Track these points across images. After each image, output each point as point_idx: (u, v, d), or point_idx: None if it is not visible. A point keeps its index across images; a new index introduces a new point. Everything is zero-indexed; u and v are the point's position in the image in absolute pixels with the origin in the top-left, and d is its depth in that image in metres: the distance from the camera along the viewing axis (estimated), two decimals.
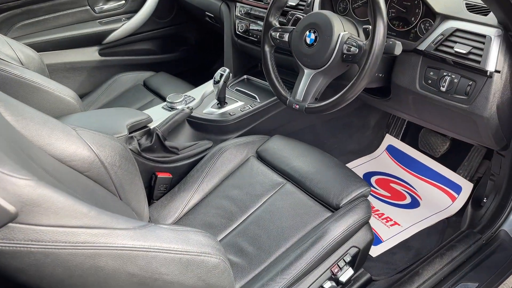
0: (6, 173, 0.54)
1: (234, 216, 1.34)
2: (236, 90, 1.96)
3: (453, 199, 1.92)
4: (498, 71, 1.22)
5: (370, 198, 1.72)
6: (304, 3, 1.68)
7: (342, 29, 1.31)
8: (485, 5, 1.29)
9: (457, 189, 1.94)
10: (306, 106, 1.36)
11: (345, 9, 1.62)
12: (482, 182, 1.85)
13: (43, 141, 0.89)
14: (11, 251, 0.55)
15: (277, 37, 1.46)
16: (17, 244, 0.55)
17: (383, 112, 2.22)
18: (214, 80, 1.66)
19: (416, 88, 1.41)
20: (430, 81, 1.37)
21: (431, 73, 1.37)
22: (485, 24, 1.25)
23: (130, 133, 1.39)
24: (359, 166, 2.19)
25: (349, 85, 1.26)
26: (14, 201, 0.53)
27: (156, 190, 1.49)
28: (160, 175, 1.49)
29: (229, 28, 2.08)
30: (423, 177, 2.06)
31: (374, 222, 1.84)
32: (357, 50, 1.25)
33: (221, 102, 1.76)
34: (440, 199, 1.94)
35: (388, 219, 1.87)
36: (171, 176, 1.52)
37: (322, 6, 1.63)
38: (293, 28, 1.43)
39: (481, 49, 1.23)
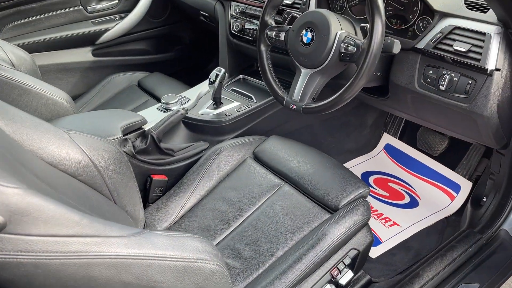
0: None
1: (231, 219, 1.32)
2: (232, 90, 1.94)
3: (452, 198, 1.90)
4: (498, 69, 1.20)
5: (368, 198, 1.71)
6: (300, 2, 1.67)
7: (339, 28, 1.29)
8: (485, 2, 1.27)
9: (456, 188, 1.92)
10: (304, 106, 1.34)
11: (341, 7, 1.60)
12: (481, 180, 1.84)
13: (35, 145, 0.87)
14: (0, 262, 0.53)
15: (273, 37, 1.44)
16: (6, 255, 0.54)
17: (381, 111, 2.21)
18: (209, 80, 1.65)
19: (415, 87, 1.39)
20: (429, 80, 1.35)
21: (430, 71, 1.35)
22: (485, 21, 1.23)
23: (124, 135, 1.38)
24: (357, 165, 2.17)
25: (347, 85, 1.24)
26: (2, 211, 0.52)
27: (151, 193, 1.47)
28: (156, 177, 1.47)
29: (224, 27, 2.07)
30: (421, 176, 2.04)
31: (373, 222, 1.82)
32: (355, 49, 1.23)
33: (217, 102, 1.74)
34: (439, 198, 1.93)
35: (387, 219, 1.85)
36: (166, 178, 1.51)
37: (319, 5, 1.61)
38: (290, 27, 1.41)
39: (481, 47, 1.21)
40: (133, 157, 1.41)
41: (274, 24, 1.47)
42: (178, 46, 2.82)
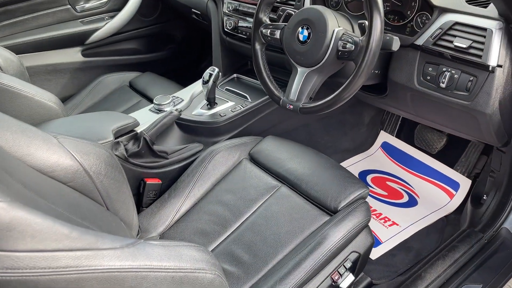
0: None
1: (227, 223, 1.29)
2: (226, 89, 1.91)
3: (451, 196, 1.88)
4: (500, 66, 1.18)
5: (367, 198, 1.68)
6: None
7: (336, 25, 1.26)
8: None
9: (455, 185, 1.90)
10: (301, 106, 1.31)
11: (337, 3, 1.57)
12: (481, 178, 1.82)
13: (22, 152, 0.84)
14: None
15: (268, 35, 1.41)
16: None
17: (377, 108, 2.19)
18: (203, 80, 1.61)
19: (414, 85, 1.37)
20: (429, 77, 1.33)
21: (429, 69, 1.32)
22: (486, 16, 1.21)
23: (116, 138, 1.35)
24: (354, 164, 2.15)
25: (345, 84, 1.21)
26: None
27: (145, 197, 1.44)
28: (149, 181, 1.44)
29: (216, 25, 2.03)
30: (419, 174, 2.02)
31: (372, 222, 1.80)
32: (353, 46, 1.20)
33: (211, 102, 1.71)
34: (437, 196, 1.91)
35: (386, 219, 1.83)
36: (160, 182, 1.48)
37: (314, 1, 1.58)
38: (285, 25, 1.38)
39: (482, 43, 1.19)
40: (125, 160, 1.38)
41: (268, 22, 1.44)
42: (170, 45, 2.79)
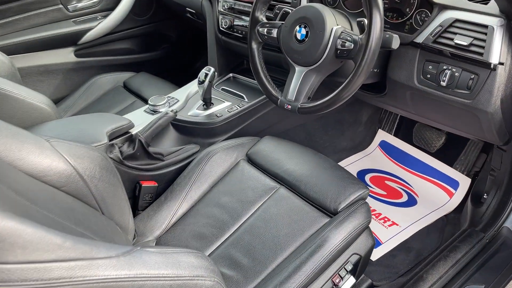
0: None
1: (225, 225, 1.27)
2: (222, 89, 1.89)
3: (451, 195, 1.87)
4: (502, 63, 1.16)
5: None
6: None
7: (334, 23, 1.24)
8: None
9: (454, 184, 1.89)
10: (299, 106, 1.29)
11: (334, 1, 1.55)
12: (481, 177, 1.80)
13: (13, 156, 0.83)
14: None
15: (265, 33, 1.39)
16: None
17: (375, 107, 2.17)
18: (198, 80, 1.60)
19: (414, 83, 1.35)
20: (429, 76, 1.30)
21: (430, 67, 1.30)
22: (486, 13, 1.19)
23: (110, 140, 1.34)
24: (353, 163, 2.13)
25: (345, 83, 1.19)
26: None
27: (141, 200, 1.43)
28: (145, 184, 1.43)
29: (212, 24, 2.01)
30: (418, 173, 2.01)
31: (372, 223, 1.76)
32: (352, 45, 1.18)
33: (207, 103, 1.69)
34: (437, 195, 1.90)
35: (386, 219, 1.81)
36: (156, 184, 1.46)
37: None
38: (282, 23, 1.36)
39: (483, 40, 1.16)
40: (120, 163, 1.37)
41: (265, 20, 1.41)
42: (165, 44, 2.77)
